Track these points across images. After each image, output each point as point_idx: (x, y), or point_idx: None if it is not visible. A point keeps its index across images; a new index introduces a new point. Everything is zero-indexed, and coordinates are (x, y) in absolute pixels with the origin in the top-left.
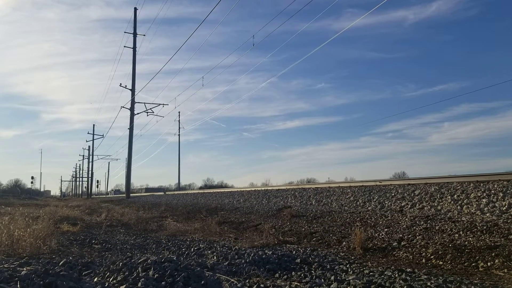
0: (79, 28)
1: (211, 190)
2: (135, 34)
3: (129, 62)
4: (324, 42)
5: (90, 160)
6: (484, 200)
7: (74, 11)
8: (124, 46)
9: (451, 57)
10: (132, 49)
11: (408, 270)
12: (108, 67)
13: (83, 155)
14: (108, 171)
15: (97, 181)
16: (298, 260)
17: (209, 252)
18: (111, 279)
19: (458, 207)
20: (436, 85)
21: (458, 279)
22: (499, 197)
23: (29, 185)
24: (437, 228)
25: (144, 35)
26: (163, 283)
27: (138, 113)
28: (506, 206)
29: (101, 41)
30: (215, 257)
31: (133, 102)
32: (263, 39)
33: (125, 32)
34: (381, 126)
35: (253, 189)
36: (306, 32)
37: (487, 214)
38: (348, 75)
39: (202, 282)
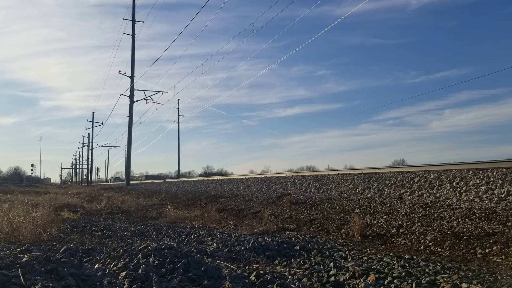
0: (77, 14)
1: (211, 178)
2: (133, 21)
3: (128, 48)
4: (325, 28)
5: (90, 148)
6: (483, 187)
7: None
8: (123, 33)
9: (453, 43)
10: (131, 36)
11: (407, 256)
12: (107, 54)
13: (83, 143)
14: (108, 159)
15: (97, 169)
16: (298, 247)
17: (209, 239)
18: (112, 266)
19: (457, 195)
20: (437, 72)
21: (456, 265)
22: (498, 185)
23: (29, 173)
24: (435, 215)
25: (143, 21)
26: (163, 269)
27: (137, 101)
28: (504, 194)
29: (100, 27)
30: (215, 244)
31: (132, 89)
32: (263, 25)
33: (123, 19)
34: (382, 113)
35: (252, 176)
36: (307, 18)
37: (486, 202)
38: (349, 62)
39: (202, 268)
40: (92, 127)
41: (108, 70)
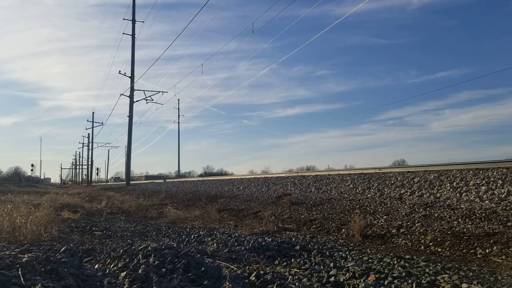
0: (77, 13)
1: (211, 178)
2: (133, 21)
3: (128, 48)
4: (325, 28)
5: (90, 148)
6: (483, 187)
7: None
8: (123, 33)
9: (453, 43)
10: (131, 36)
11: (407, 257)
12: (107, 53)
13: (83, 143)
14: (108, 159)
15: (97, 169)
16: (298, 247)
17: (209, 239)
18: (112, 266)
19: (457, 195)
20: (437, 72)
21: (456, 265)
22: (498, 185)
23: (29, 173)
24: (436, 215)
25: (143, 21)
26: (163, 269)
27: (137, 101)
28: (505, 194)
29: (100, 26)
30: (215, 244)
31: (132, 89)
32: (263, 25)
33: (123, 19)
34: (382, 113)
35: (252, 176)
36: (308, 18)
37: (486, 202)
38: (350, 62)
39: (202, 268)
40: (92, 127)
41: (108, 70)
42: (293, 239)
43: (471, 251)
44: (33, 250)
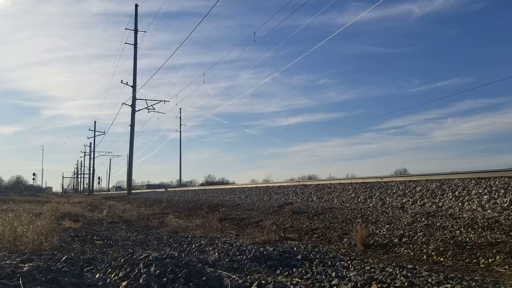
0: (79, 22)
1: (213, 187)
2: (136, 31)
3: (130, 57)
4: (327, 37)
5: (92, 157)
6: (485, 196)
7: (74, 5)
8: (125, 43)
9: (456, 52)
10: (133, 46)
11: (409, 266)
12: (110, 62)
13: (85, 152)
14: (110, 168)
15: (99, 178)
16: (299, 257)
17: (210, 248)
18: (112, 275)
19: (459, 204)
20: (440, 81)
21: (459, 275)
22: (501, 194)
23: (30, 182)
24: (438, 224)
25: (145, 31)
26: (164, 279)
27: (139, 110)
28: (507, 203)
29: (102, 35)
30: (216, 254)
31: (134, 99)
32: (265, 34)
33: (126, 29)
34: (384, 122)
35: (254, 185)
36: (310, 27)
37: (488, 211)
38: (352, 71)
39: (204, 278)
40: (94, 136)
41: (110, 79)
42: (295, 248)
43: (474, 260)
44: (34, 260)
